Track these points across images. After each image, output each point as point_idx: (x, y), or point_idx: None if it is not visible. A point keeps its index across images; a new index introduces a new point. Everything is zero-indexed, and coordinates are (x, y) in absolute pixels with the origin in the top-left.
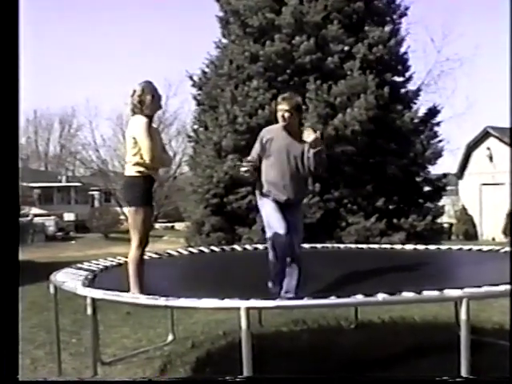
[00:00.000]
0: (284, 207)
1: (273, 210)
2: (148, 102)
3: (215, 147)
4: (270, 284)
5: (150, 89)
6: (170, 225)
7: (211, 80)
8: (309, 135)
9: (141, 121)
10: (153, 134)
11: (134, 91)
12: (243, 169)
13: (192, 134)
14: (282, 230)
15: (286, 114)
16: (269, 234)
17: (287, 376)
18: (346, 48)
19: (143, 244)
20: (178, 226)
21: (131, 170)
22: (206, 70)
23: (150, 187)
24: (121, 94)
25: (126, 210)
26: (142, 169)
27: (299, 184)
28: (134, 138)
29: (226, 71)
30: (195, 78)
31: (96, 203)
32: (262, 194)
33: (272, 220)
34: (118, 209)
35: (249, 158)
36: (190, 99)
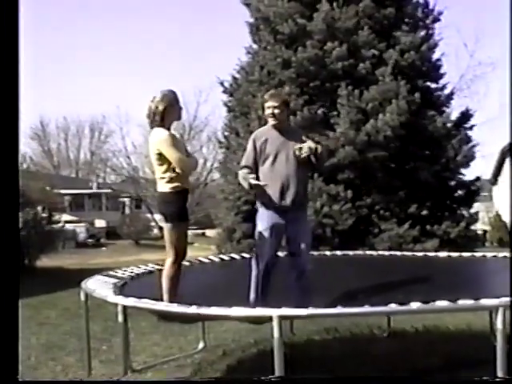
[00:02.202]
0: (286, 215)
1: (267, 230)
2: (166, 112)
3: None
4: (252, 296)
5: (168, 98)
6: (200, 231)
7: (242, 86)
8: (303, 148)
9: (163, 135)
10: (177, 144)
11: (152, 101)
12: (253, 181)
13: (223, 140)
14: (263, 257)
15: (276, 111)
16: (256, 252)
17: (293, 377)
18: (378, 53)
19: (179, 260)
20: (209, 232)
21: (165, 187)
22: (237, 76)
23: (186, 201)
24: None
25: (157, 217)
26: (176, 184)
27: (301, 186)
28: (159, 154)
29: (257, 77)
30: (226, 85)
31: (127, 210)
32: (262, 203)
33: (261, 244)
34: (149, 215)
35: (245, 170)
36: (221, 105)
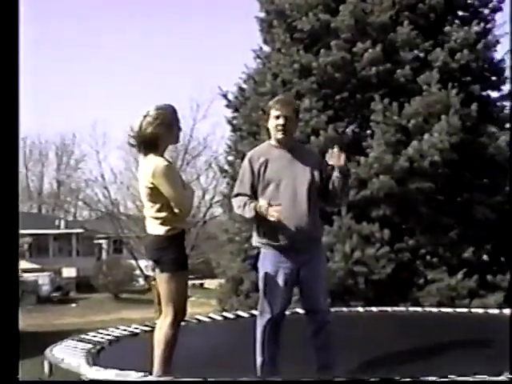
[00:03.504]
0: (299, 255)
1: (274, 276)
2: (162, 134)
3: None
4: (258, 360)
5: (166, 116)
6: (198, 282)
7: (250, 99)
8: (332, 155)
9: (160, 165)
10: (176, 176)
11: (145, 118)
12: (274, 214)
13: (226, 167)
14: (268, 314)
15: (287, 123)
16: (259, 308)
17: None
18: (422, 55)
19: (179, 319)
20: (209, 283)
21: (159, 229)
22: (244, 86)
23: (183, 243)
24: (135, 116)
25: (142, 263)
26: (173, 226)
27: (313, 218)
28: (152, 189)
29: (268, 88)
30: (230, 97)
31: (104, 255)
32: (266, 242)
33: (267, 294)
34: (132, 262)
35: (240, 197)
36: (224, 123)
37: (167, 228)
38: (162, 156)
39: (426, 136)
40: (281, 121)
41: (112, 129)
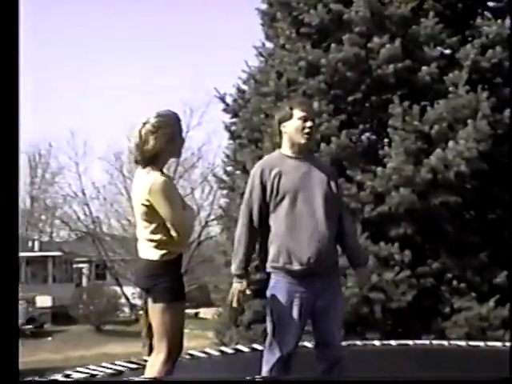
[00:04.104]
0: (314, 283)
1: (286, 307)
2: (164, 147)
3: None
4: None
5: (169, 124)
6: (192, 311)
7: (251, 102)
8: (361, 274)
9: (158, 182)
10: (176, 194)
11: (143, 127)
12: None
13: (225, 178)
14: (278, 352)
15: (311, 125)
16: (267, 343)
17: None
18: (447, 52)
19: (174, 356)
20: (205, 312)
21: (153, 253)
22: (244, 87)
23: (180, 270)
24: (120, 123)
25: (128, 291)
26: (169, 250)
27: (332, 240)
28: (148, 207)
29: (271, 89)
30: (228, 100)
31: (84, 281)
32: (277, 267)
33: (276, 327)
34: (117, 289)
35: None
36: (221, 130)
37: (162, 252)
38: (161, 170)
39: (451, 144)
40: (310, 123)
41: (94, 137)
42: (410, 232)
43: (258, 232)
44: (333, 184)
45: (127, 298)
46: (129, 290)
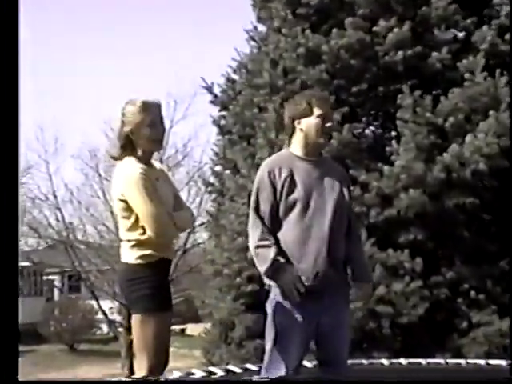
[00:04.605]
0: (321, 299)
1: (288, 325)
2: (139, 131)
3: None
4: None
5: (145, 110)
6: (177, 328)
7: (243, 93)
8: (364, 291)
9: (131, 171)
10: (156, 186)
11: (120, 113)
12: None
13: (212, 179)
14: (281, 373)
15: (331, 125)
16: (265, 363)
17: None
18: (462, 35)
19: (155, 372)
20: (192, 329)
21: (130, 255)
22: (234, 76)
23: (165, 277)
24: (96, 117)
25: (106, 305)
26: (148, 251)
27: (342, 252)
28: (124, 202)
29: (265, 79)
30: (216, 91)
31: (56, 294)
32: (280, 280)
33: (277, 347)
34: (93, 303)
35: (264, 242)
36: (209, 124)
37: (139, 254)
38: (139, 159)
39: (468, 138)
40: (330, 124)
41: (66, 133)
42: (421, 238)
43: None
44: (345, 191)
45: (104, 314)
46: (106, 305)
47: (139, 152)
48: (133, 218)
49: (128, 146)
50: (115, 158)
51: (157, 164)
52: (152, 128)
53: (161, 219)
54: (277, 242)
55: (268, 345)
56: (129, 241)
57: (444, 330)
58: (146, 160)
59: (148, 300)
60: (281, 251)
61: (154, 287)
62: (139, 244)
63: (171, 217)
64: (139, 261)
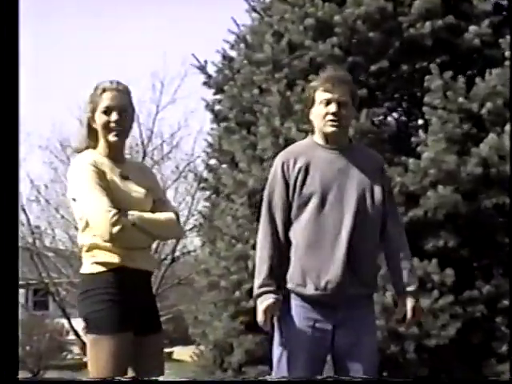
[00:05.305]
0: (336, 312)
1: (298, 341)
2: (101, 120)
3: (251, 200)
4: None
5: (107, 96)
6: (165, 351)
7: (241, 72)
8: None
9: (80, 161)
10: (117, 183)
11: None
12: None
13: (206, 174)
14: None
15: (342, 110)
16: (274, 371)
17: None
18: (504, 2)
19: None
20: (180, 352)
21: (84, 264)
22: (232, 53)
23: (128, 291)
24: (68, 102)
25: (78, 324)
26: (100, 258)
27: (368, 258)
28: (73, 199)
29: (268, 55)
30: (210, 70)
31: (19, 312)
32: (289, 292)
33: (284, 364)
34: (63, 321)
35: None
36: (201, 109)
37: (91, 261)
38: (100, 154)
39: (509, 127)
40: (333, 107)
41: (33, 120)
42: (453, 244)
43: (286, 244)
44: (377, 186)
45: (77, 334)
46: (79, 324)
47: (102, 144)
48: (84, 220)
49: (92, 136)
50: (77, 151)
51: (133, 161)
52: (108, 115)
53: (102, 216)
54: (288, 248)
55: (274, 360)
56: (82, 246)
57: (479, 354)
58: (111, 154)
59: (99, 318)
60: (288, 260)
61: (106, 302)
62: (90, 249)
63: (124, 215)
64: (91, 269)
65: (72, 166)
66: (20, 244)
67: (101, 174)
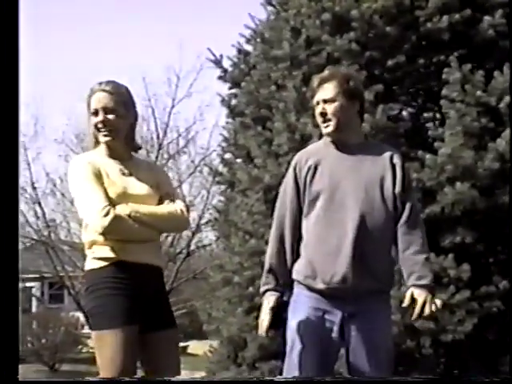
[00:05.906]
0: (337, 304)
1: (304, 329)
2: (90, 121)
3: (267, 196)
4: None
5: (95, 98)
6: (180, 345)
7: (258, 68)
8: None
9: (77, 159)
10: (88, 174)
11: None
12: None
13: (222, 169)
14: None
15: (330, 109)
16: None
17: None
18: None
19: None
20: (195, 347)
21: (88, 259)
22: (248, 48)
23: (127, 285)
24: (83, 95)
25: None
26: (100, 253)
27: (380, 255)
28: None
29: (285, 51)
30: (226, 65)
31: (34, 305)
32: (296, 280)
33: (293, 356)
34: (79, 315)
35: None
36: (216, 104)
37: (92, 256)
38: (100, 153)
39: None
40: (319, 108)
41: (48, 112)
42: (470, 240)
43: (295, 246)
44: (389, 183)
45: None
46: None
47: (101, 144)
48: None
49: (95, 135)
50: (87, 150)
51: (141, 159)
52: (96, 117)
53: (94, 209)
54: (298, 244)
55: (287, 354)
56: (85, 244)
57: (496, 350)
58: (110, 152)
59: (99, 313)
60: (298, 256)
61: (105, 297)
62: (90, 245)
63: (116, 206)
64: (92, 265)
65: (69, 167)
66: (35, 237)
67: (95, 172)
